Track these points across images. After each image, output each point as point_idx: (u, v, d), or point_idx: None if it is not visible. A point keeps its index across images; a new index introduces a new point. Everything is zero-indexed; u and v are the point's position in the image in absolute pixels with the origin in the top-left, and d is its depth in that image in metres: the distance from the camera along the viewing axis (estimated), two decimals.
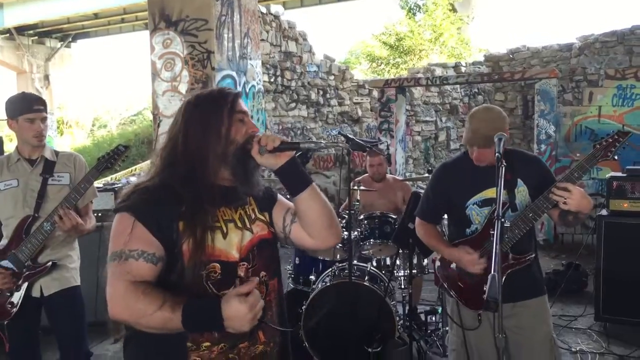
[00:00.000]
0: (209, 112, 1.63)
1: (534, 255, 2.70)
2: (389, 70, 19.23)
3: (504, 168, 2.35)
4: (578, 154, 7.28)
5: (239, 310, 1.39)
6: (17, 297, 2.81)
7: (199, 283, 1.53)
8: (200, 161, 1.60)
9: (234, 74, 8.98)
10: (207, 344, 1.54)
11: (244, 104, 1.69)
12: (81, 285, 3.10)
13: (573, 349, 4.32)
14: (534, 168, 2.75)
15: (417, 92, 12.68)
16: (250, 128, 1.65)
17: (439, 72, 13.03)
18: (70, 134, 20.99)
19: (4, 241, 2.90)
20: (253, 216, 1.70)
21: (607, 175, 4.80)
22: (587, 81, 10.72)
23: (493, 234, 2.49)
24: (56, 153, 3.08)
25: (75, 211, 2.88)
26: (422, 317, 4.86)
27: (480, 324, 2.65)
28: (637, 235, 4.50)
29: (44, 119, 2.95)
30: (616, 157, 2.55)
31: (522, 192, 2.70)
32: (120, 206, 1.57)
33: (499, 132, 2.49)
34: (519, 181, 2.70)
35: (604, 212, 4.75)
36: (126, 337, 1.65)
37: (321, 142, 1.71)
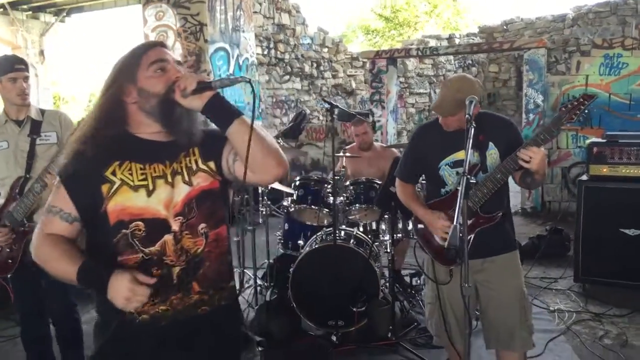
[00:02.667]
0: (124, 65, 1.69)
1: (501, 213, 2.79)
2: (383, 43, 19.19)
3: (473, 129, 2.47)
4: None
5: (118, 290, 1.52)
6: (16, 253, 2.98)
7: (125, 241, 1.63)
8: (119, 118, 1.67)
9: (226, 46, 9.07)
10: None
11: (164, 53, 1.70)
12: None
13: (551, 308, 4.49)
14: (505, 131, 2.83)
15: (411, 64, 12.73)
16: (173, 75, 1.67)
17: (432, 43, 13.06)
18: (66, 109, 21.01)
19: (1, 200, 3.05)
20: (195, 167, 1.72)
21: (587, 142, 4.92)
22: (580, 52, 10.76)
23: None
24: (42, 112, 3.18)
25: None
26: (408, 279, 5.04)
27: (451, 278, 2.78)
28: (616, 199, 4.63)
29: (26, 78, 3.04)
30: (580, 120, 2.67)
31: (492, 154, 2.78)
32: (59, 168, 1.71)
33: (463, 104, 2.59)
34: (490, 144, 2.79)
35: (584, 177, 4.89)
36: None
37: (228, 79, 1.66)
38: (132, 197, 1.63)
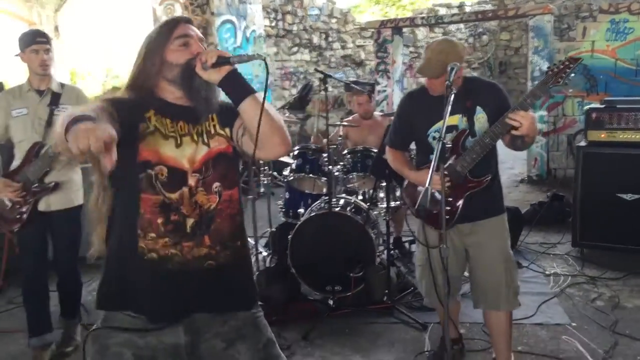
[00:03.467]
0: (152, 39, 1.85)
1: (490, 177, 2.86)
2: (396, 13, 18.99)
3: (453, 96, 2.53)
4: (571, 90, 7.36)
5: (79, 127, 1.46)
6: (25, 209, 3.27)
7: (148, 181, 1.76)
8: (149, 84, 1.84)
9: (233, 18, 9.10)
10: (153, 235, 1.76)
11: (189, 29, 1.86)
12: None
13: (547, 272, 4.56)
14: (493, 95, 2.88)
15: (421, 33, 12.63)
16: (195, 49, 1.83)
17: (443, 12, 12.93)
18: (83, 84, 21.19)
19: (17, 162, 3.34)
20: (213, 131, 1.87)
21: (586, 107, 4.93)
22: (593, 17, 10.59)
23: (452, 160, 2.73)
24: (62, 86, 3.45)
25: None
26: (407, 246, 5.15)
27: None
28: (614, 164, 4.66)
29: (47, 50, 3.30)
30: (567, 82, 2.71)
31: (480, 119, 2.85)
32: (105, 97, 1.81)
33: (451, 62, 2.66)
34: (478, 108, 2.85)
35: (582, 142, 4.91)
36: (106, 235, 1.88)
37: (246, 55, 1.79)
38: (163, 143, 1.79)
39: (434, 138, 2.83)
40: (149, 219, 1.76)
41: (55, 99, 3.36)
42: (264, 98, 1.76)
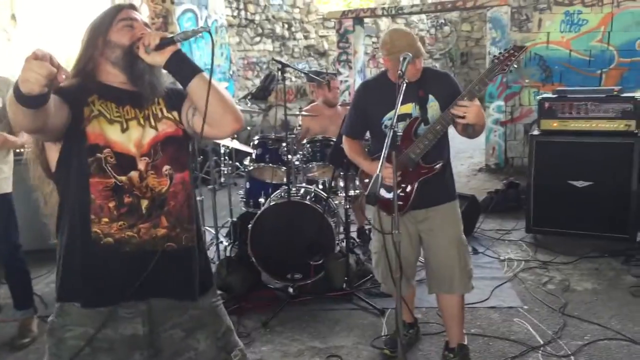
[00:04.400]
0: (96, 23, 1.84)
1: (441, 163, 2.93)
2: (358, 3, 19.05)
3: (404, 84, 2.57)
4: (527, 80, 7.53)
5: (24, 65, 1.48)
6: None
7: (98, 165, 1.74)
8: (90, 66, 1.82)
9: (194, 7, 9.04)
10: (106, 219, 1.74)
11: (133, 13, 1.85)
12: (20, 215, 3.63)
13: (501, 258, 4.69)
14: (444, 83, 2.97)
15: (383, 24, 12.73)
16: (138, 32, 1.80)
17: (405, 2, 13.04)
18: None
19: None
20: (160, 115, 1.86)
21: (538, 97, 5.06)
22: (550, 9, 10.83)
23: (406, 148, 2.80)
24: None
25: (9, 131, 3.32)
26: (369, 234, 5.21)
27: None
28: (565, 152, 4.81)
29: None
30: (512, 70, 2.80)
31: (433, 107, 2.93)
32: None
33: (404, 52, 2.71)
34: (430, 97, 2.93)
35: (535, 131, 5.05)
36: (56, 224, 1.87)
37: (190, 31, 1.77)
38: (108, 128, 1.76)
39: (386, 127, 2.88)
40: (99, 204, 1.73)
41: None
42: (212, 70, 1.72)
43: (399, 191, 2.93)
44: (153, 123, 1.85)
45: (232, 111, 1.81)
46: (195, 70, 1.76)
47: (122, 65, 1.80)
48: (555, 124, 4.87)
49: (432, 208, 3.00)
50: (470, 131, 2.83)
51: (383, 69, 3.12)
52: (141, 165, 1.80)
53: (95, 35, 1.82)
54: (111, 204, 1.74)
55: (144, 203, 1.79)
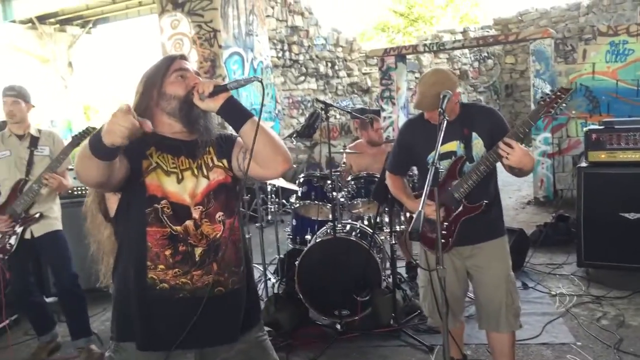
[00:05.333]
0: (150, 74, 1.95)
1: (486, 203, 2.89)
2: (403, 40, 19.27)
3: (445, 122, 2.62)
4: (574, 112, 7.45)
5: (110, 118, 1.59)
6: (13, 239, 3.71)
7: (155, 215, 1.85)
8: (147, 116, 1.86)
9: (240, 50, 9.33)
10: (162, 266, 1.84)
11: (185, 64, 1.95)
12: (74, 259, 3.96)
13: (553, 293, 4.60)
14: (488, 120, 2.93)
15: (426, 59, 12.81)
16: (192, 81, 1.90)
17: (447, 38, 13.12)
18: (97, 118, 21.52)
19: (3, 198, 3.77)
20: (211, 164, 1.96)
21: (585, 129, 5.00)
22: (595, 39, 10.74)
23: (450, 186, 2.80)
24: (39, 131, 3.94)
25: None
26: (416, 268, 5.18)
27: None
28: (615, 184, 4.72)
29: (14, 102, 3.77)
30: (558, 113, 2.79)
31: (477, 144, 2.90)
32: None
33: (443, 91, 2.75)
34: (474, 134, 2.91)
35: (583, 163, 4.98)
36: (113, 268, 1.99)
37: (242, 79, 1.89)
38: (166, 180, 1.88)
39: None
40: (156, 252, 1.84)
41: (34, 142, 3.84)
42: (260, 114, 1.80)
43: (441, 229, 2.92)
44: (205, 172, 1.95)
45: (282, 152, 1.90)
46: (246, 115, 1.86)
47: (178, 115, 1.90)
48: (603, 156, 4.80)
49: (478, 245, 2.97)
50: (516, 171, 2.79)
51: None
52: (195, 214, 1.89)
53: (150, 87, 1.92)
54: (167, 252, 1.85)
55: (198, 251, 1.88)
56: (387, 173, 3.29)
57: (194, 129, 1.91)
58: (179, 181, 1.90)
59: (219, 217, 1.93)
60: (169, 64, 1.95)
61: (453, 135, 2.80)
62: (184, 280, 1.86)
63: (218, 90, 1.84)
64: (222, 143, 2.00)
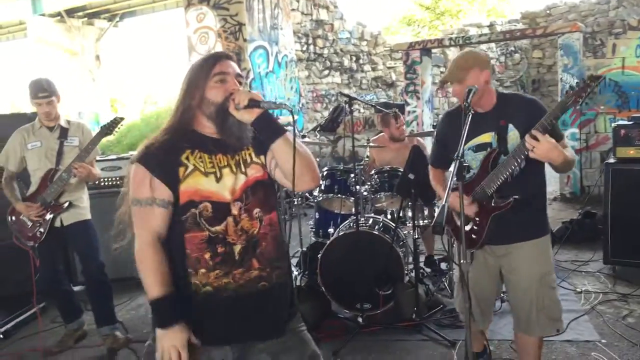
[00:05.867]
0: (193, 75, 1.98)
1: (513, 199, 2.73)
2: (428, 34, 19.13)
3: (470, 115, 2.57)
4: (602, 107, 7.32)
5: (163, 348, 1.83)
6: (44, 227, 3.84)
7: (193, 219, 1.89)
8: (189, 117, 1.97)
9: (265, 44, 9.36)
10: (203, 270, 1.89)
11: (227, 65, 1.98)
12: (104, 249, 3.97)
13: (578, 290, 4.54)
14: (525, 111, 2.77)
15: (452, 53, 12.70)
16: (230, 87, 1.94)
17: (473, 31, 12.99)
18: (123, 112, 21.77)
19: (34, 187, 3.90)
20: (249, 160, 1.99)
21: (614, 124, 4.92)
22: (626, 33, 10.53)
23: (483, 179, 2.76)
24: (68, 122, 4.03)
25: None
26: (438, 263, 5.17)
27: (472, 261, 2.85)
28: None
29: (49, 102, 3.83)
30: (587, 102, 2.72)
31: (512, 137, 2.76)
32: (134, 158, 1.96)
33: (468, 69, 2.70)
34: (510, 126, 2.77)
35: (611, 159, 4.90)
36: None
37: (274, 103, 1.94)
38: (204, 181, 1.91)
39: (464, 156, 2.83)
40: (195, 257, 1.89)
41: (63, 133, 3.93)
42: (294, 141, 1.86)
43: (472, 224, 2.85)
44: (243, 169, 1.98)
45: (311, 171, 1.95)
46: (279, 130, 1.91)
47: (214, 119, 1.94)
48: (631, 152, 4.71)
49: (513, 245, 2.83)
50: (553, 166, 2.67)
51: (453, 98, 3.12)
52: (234, 210, 1.93)
53: (192, 88, 1.96)
54: (206, 255, 1.89)
55: (237, 249, 1.92)
56: (429, 166, 3.25)
57: (226, 135, 1.95)
58: (218, 180, 1.93)
59: (257, 213, 1.97)
60: (212, 65, 1.97)
61: (489, 126, 2.73)
62: (226, 281, 1.91)
63: (253, 104, 1.88)
64: (259, 141, 2.02)
